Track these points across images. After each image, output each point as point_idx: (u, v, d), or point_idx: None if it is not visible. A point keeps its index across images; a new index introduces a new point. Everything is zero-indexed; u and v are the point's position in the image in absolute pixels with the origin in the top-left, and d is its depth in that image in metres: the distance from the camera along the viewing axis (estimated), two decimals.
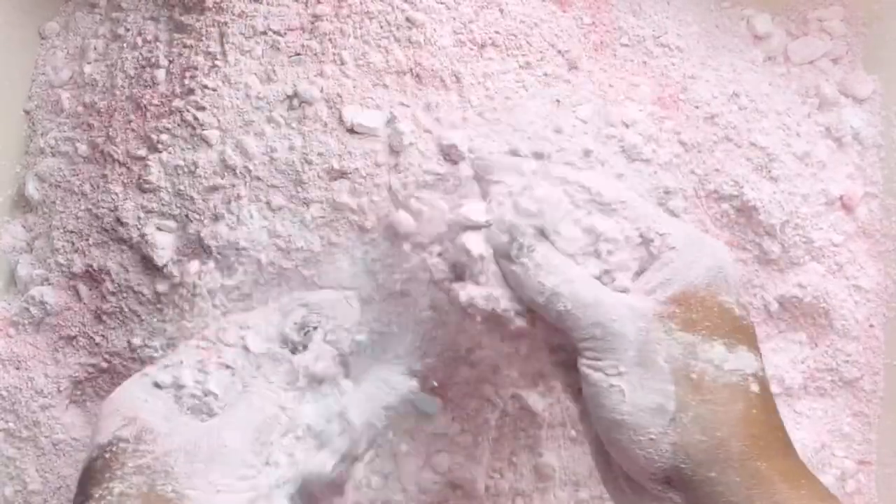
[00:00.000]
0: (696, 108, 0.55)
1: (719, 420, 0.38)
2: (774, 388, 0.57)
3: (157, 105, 0.53)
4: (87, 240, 0.54)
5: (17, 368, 0.55)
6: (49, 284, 0.55)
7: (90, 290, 0.54)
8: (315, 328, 0.45)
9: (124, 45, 0.57)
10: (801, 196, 0.57)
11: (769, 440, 0.38)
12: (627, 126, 0.52)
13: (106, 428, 0.41)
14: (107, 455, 0.40)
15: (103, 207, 0.53)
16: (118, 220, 0.52)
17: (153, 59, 0.55)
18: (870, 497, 0.59)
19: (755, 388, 0.39)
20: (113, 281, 0.53)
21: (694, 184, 0.54)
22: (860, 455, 0.59)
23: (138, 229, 0.52)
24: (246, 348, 0.44)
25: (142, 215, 0.52)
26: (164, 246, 0.51)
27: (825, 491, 0.38)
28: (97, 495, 0.38)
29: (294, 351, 0.44)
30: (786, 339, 0.58)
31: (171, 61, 0.54)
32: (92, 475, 0.39)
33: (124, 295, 0.52)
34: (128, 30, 0.57)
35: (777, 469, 0.37)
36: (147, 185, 0.52)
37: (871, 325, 0.59)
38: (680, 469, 0.38)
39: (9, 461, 0.55)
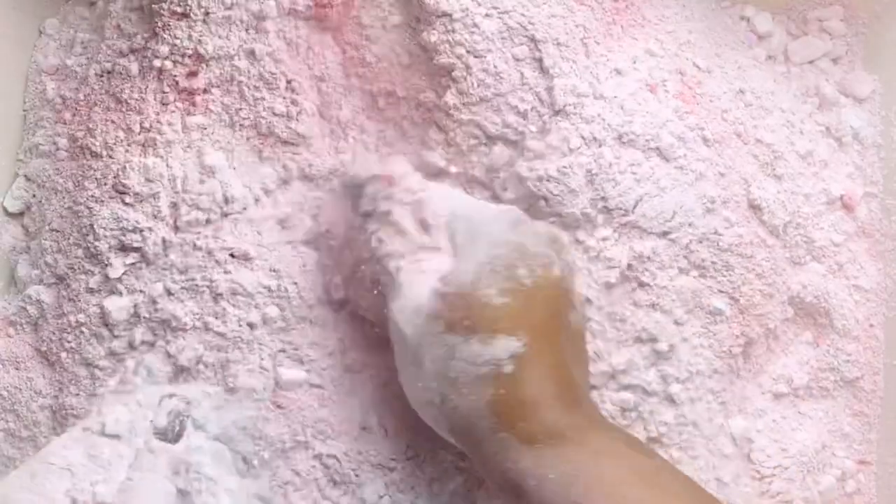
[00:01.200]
0: (711, 102, 0.55)
1: (472, 407, 0.44)
2: (783, 389, 0.57)
3: (136, 99, 0.53)
4: (68, 239, 0.54)
5: (17, 368, 0.55)
6: (44, 284, 0.55)
7: (68, 299, 0.54)
8: (187, 417, 0.49)
9: (104, 35, 0.57)
10: (803, 196, 0.57)
11: (514, 412, 0.44)
12: (661, 126, 0.52)
13: None
14: None
15: (80, 205, 0.53)
16: (92, 227, 0.52)
17: (124, 50, 0.55)
18: (870, 497, 0.59)
19: (509, 367, 0.44)
20: (78, 300, 0.53)
21: (722, 188, 0.54)
22: (860, 455, 0.59)
23: (106, 255, 0.52)
24: (122, 440, 0.47)
25: (115, 231, 0.52)
26: (118, 308, 0.52)
27: (565, 437, 0.43)
28: None
29: (170, 440, 0.48)
30: (794, 339, 0.58)
31: (144, 54, 0.54)
32: None
33: (82, 328, 0.53)
34: (111, 18, 0.57)
35: (519, 434, 0.43)
36: (122, 188, 0.52)
37: (871, 325, 0.59)
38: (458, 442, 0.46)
39: (9, 461, 0.55)
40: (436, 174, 0.52)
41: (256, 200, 0.53)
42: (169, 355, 0.51)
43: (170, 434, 0.48)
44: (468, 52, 0.51)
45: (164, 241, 0.52)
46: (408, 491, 0.51)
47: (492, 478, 0.45)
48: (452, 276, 0.46)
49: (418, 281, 0.47)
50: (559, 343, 0.46)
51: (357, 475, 0.51)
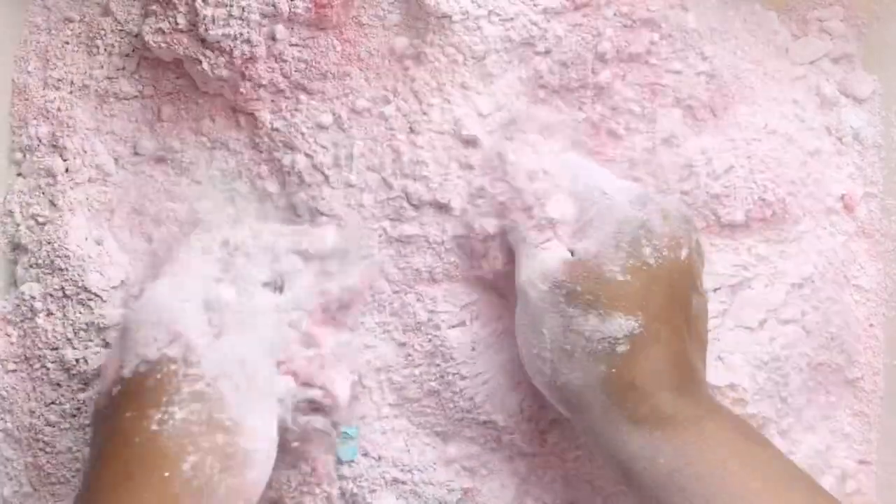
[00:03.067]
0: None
1: (584, 383, 0.45)
2: None
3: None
4: None
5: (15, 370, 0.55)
6: (38, 281, 0.54)
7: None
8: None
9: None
10: (803, 195, 0.57)
11: (623, 392, 0.44)
12: None
13: (150, 340, 0.43)
14: (158, 376, 0.43)
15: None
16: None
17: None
18: (870, 497, 0.58)
19: (622, 348, 0.44)
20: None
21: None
22: (860, 455, 0.59)
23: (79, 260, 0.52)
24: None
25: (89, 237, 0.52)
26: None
27: (678, 422, 0.43)
28: (157, 418, 0.42)
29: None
30: None
31: None
32: (143, 393, 0.42)
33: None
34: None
35: (630, 416, 0.44)
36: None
37: (871, 325, 0.59)
38: (567, 412, 0.47)
39: (7, 462, 0.55)
40: None
41: None
42: None
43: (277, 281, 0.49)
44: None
45: None
46: (414, 499, 0.52)
47: (601, 454, 0.46)
48: (580, 247, 0.46)
49: (551, 249, 0.47)
50: (678, 326, 0.45)
51: (371, 490, 0.52)
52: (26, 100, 0.57)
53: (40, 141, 0.56)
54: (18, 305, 0.54)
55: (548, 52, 0.52)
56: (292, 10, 0.51)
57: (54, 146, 0.56)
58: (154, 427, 0.41)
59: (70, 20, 0.57)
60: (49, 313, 0.53)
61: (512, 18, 0.51)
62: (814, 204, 0.57)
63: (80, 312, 0.53)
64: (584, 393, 0.45)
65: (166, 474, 0.40)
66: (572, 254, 0.47)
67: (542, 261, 0.47)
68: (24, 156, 0.56)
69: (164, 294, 0.46)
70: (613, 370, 0.44)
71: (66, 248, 0.53)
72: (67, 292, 0.53)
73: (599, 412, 0.44)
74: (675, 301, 0.46)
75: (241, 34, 0.51)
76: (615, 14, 0.53)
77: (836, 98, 0.59)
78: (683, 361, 0.45)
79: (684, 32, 0.55)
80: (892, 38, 0.59)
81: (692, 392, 0.45)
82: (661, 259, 0.45)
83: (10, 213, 0.56)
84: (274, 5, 0.51)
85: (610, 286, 0.45)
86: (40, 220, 0.55)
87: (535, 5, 0.52)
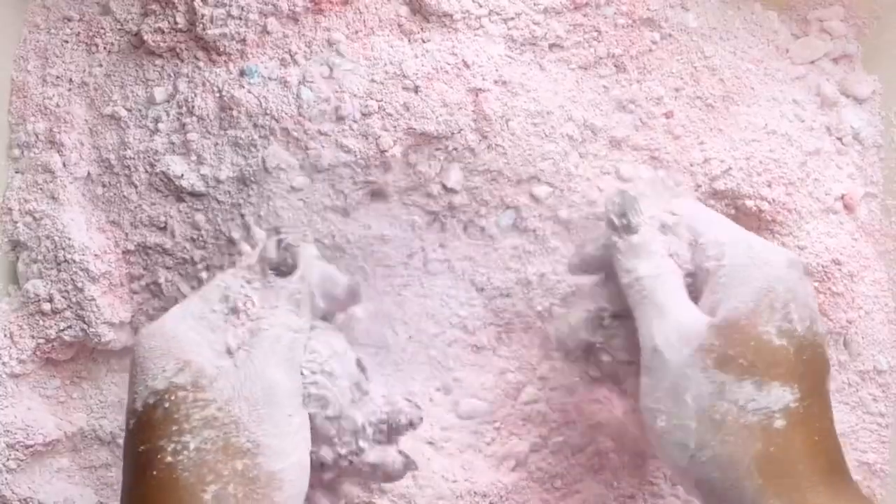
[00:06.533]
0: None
1: (735, 460, 0.39)
2: None
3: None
4: None
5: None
6: (40, 278, 0.54)
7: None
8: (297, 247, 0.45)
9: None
10: (803, 195, 0.57)
11: (787, 476, 0.39)
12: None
13: (158, 370, 0.41)
14: (167, 405, 0.40)
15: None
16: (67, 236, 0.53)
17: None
18: (876, 500, 0.58)
19: (780, 423, 0.40)
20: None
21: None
22: (866, 458, 0.58)
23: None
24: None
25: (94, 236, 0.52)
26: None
27: None
28: (170, 449, 0.39)
29: (281, 274, 0.44)
30: None
31: None
32: (154, 424, 0.40)
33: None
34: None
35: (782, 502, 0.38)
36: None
37: None
38: (702, 500, 0.41)
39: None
40: None
41: None
42: None
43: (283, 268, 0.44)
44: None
45: None
46: None
47: None
48: (728, 305, 0.42)
49: (683, 304, 0.43)
50: (827, 406, 0.41)
51: None
52: (24, 97, 0.57)
53: (37, 137, 0.56)
54: (26, 303, 0.54)
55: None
56: (291, 8, 0.51)
57: (51, 142, 0.55)
58: (169, 459, 0.39)
59: (69, 19, 0.57)
60: (51, 302, 0.53)
61: (513, 18, 0.52)
62: (813, 204, 0.56)
63: (89, 298, 0.53)
64: (732, 471, 0.39)
65: None
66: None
67: (679, 321, 0.42)
68: (22, 152, 0.56)
69: (173, 323, 0.43)
70: (771, 449, 0.39)
71: (69, 239, 0.53)
72: (77, 284, 0.53)
73: (753, 496, 0.39)
74: (823, 380, 0.42)
75: (239, 34, 0.51)
76: (615, 13, 0.53)
77: (836, 98, 0.59)
78: (834, 447, 0.41)
79: (684, 32, 0.55)
80: (892, 38, 0.60)
81: (846, 488, 0.40)
82: (806, 329, 0.42)
83: (9, 211, 0.55)
84: (274, 5, 0.51)
85: (765, 351, 0.40)
86: (37, 216, 0.54)
87: (535, 4, 0.52)
